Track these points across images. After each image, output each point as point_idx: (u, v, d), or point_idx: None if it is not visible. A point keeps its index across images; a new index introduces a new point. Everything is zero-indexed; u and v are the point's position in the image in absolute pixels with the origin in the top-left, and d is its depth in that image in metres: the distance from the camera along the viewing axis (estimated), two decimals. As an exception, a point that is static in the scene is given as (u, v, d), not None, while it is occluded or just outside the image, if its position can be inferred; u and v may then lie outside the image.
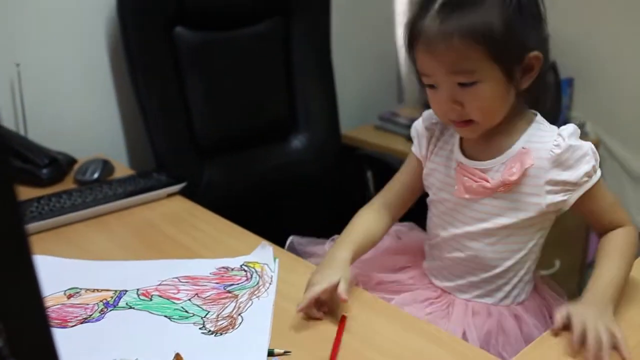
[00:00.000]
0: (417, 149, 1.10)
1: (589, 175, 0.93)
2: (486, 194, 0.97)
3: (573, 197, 0.94)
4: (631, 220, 0.98)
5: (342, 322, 0.90)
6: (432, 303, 1.06)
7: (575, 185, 0.93)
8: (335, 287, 0.91)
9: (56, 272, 1.10)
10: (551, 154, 0.93)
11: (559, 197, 0.94)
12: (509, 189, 0.95)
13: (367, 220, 1.10)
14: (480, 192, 0.97)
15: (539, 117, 0.99)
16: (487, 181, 0.96)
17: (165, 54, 1.67)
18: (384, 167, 1.94)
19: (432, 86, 0.93)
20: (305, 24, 1.86)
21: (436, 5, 0.88)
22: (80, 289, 1.05)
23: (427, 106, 1.03)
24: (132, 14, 1.60)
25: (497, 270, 1.02)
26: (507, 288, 1.04)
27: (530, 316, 1.04)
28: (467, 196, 0.98)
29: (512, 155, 0.95)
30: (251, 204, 1.82)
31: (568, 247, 2.12)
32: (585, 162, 0.92)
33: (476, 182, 0.97)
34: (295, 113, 1.91)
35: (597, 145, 2.15)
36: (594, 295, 0.87)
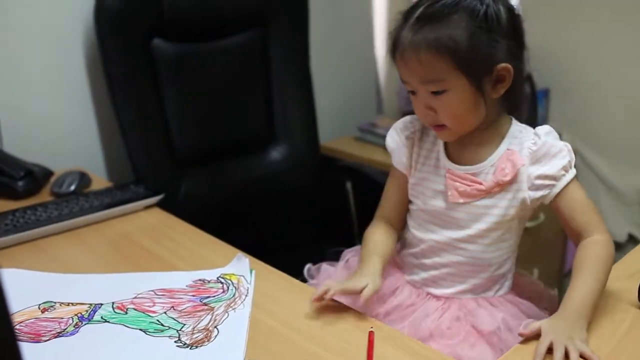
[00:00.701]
0: (400, 161, 1.10)
1: (565, 169, 0.97)
2: (481, 196, 1.01)
3: (553, 191, 0.97)
4: (607, 229, 0.99)
5: (370, 337, 0.90)
6: (442, 314, 1.06)
7: (554, 178, 0.97)
8: (358, 292, 0.96)
9: (30, 286, 1.09)
10: (529, 151, 0.98)
11: (540, 192, 0.98)
12: (502, 188, 1.00)
13: (381, 238, 1.12)
14: (475, 194, 1.01)
15: (515, 121, 1.04)
16: (481, 184, 1.00)
17: (143, 65, 1.66)
18: (364, 178, 1.95)
19: (412, 92, 0.98)
20: (283, 36, 1.87)
21: (413, 18, 0.93)
22: (55, 302, 1.04)
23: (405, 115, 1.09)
24: (109, 26, 1.59)
25: (495, 267, 1.06)
26: (503, 280, 1.09)
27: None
28: (461, 200, 1.02)
29: (499, 157, 1.00)
30: (230, 216, 1.82)
31: (546, 255, 2.14)
32: (562, 157, 0.97)
33: (469, 185, 1.00)
34: (274, 124, 1.91)
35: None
36: (569, 310, 0.88)
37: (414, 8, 0.95)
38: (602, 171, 2.16)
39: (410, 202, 1.12)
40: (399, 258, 1.16)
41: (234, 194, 1.85)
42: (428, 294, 1.10)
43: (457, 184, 1.01)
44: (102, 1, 1.58)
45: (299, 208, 1.98)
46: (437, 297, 1.08)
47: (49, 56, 1.65)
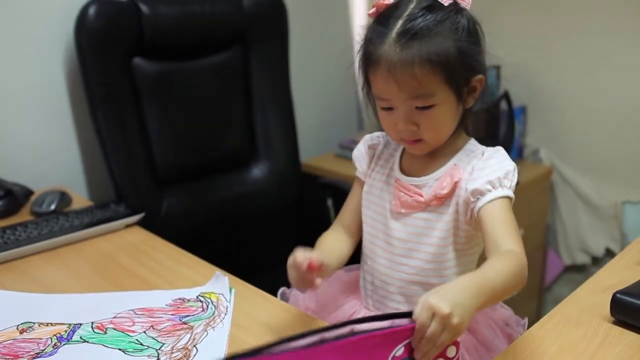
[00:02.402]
0: (360, 169, 1.13)
1: (493, 185, 0.93)
2: (420, 208, 1.01)
3: (477, 204, 0.93)
4: (524, 252, 0.89)
5: None
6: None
7: (480, 193, 0.93)
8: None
9: (9, 307, 1.08)
10: (471, 167, 0.98)
11: (469, 207, 0.95)
12: (442, 202, 1.00)
13: (331, 239, 1.12)
14: (415, 206, 1.01)
15: (473, 140, 1.04)
16: (421, 195, 1.00)
17: (124, 84, 1.67)
18: (345, 195, 1.95)
19: (388, 109, 0.97)
20: (263, 54, 1.89)
21: (393, 34, 0.91)
22: (34, 323, 1.03)
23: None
24: (90, 45, 1.60)
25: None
26: None
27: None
28: (402, 210, 1.02)
29: (445, 171, 1.00)
30: (211, 233, 1.82)
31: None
32: (492, 172, 0.94)
33: (411, 196, 1.01)
34: (255, 142, 1.92)
35: (551, 171, 2.21)
36: (454, 283, 0.77)
37: (386, 22, 0.93)
38: (579, 186, 2.19)
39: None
40: (361, 282, 1.14)
41: (216, 211, 1.85)
42: None
43: (401, 194, 1.02)
44: (82, 21, 1.59)
45: (281, 225, 1.99)
46: None
47: (30, 75, 1.66)
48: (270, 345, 0.63)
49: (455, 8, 0.94)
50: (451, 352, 0.75)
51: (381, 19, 0.95)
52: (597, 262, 2.21)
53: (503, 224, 0.91)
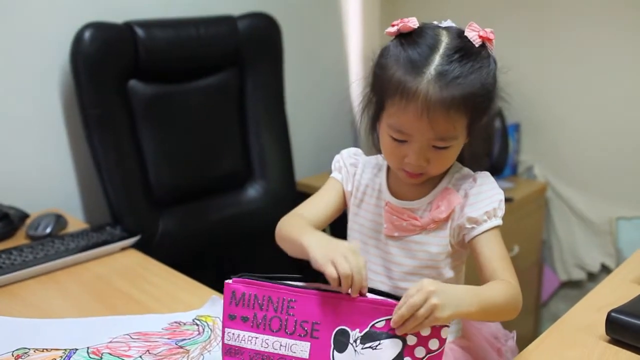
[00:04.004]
0: (344, 181, 1.10)
1: (488, 215, 0.96)
2: (415, 232, 1.01)
3: (472, 233, 0.96)
4: (517, 283, 0.94)
5: None
6: None
7: (476, 222, 0.96)
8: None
9: (4, 332, 1.08)
10: (464, 192, 0.99)
11: (462, 232, 0.98)
12: (437, 226, 1.00)
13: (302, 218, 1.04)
14: (410, 229, 1.01)
15: (457, 163, 1.04)
16: (417, 219, 1.00)
17: (119, 106, 1.68)
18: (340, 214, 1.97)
19: (401, 141, 0.93)
20: (258, 75, 1.90)
21: (432, 71, 0.88)
22: (29, 349, 1.03)
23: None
24: (85, 68, 1.61)
25: None
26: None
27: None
28: (396, 234, 1.02)
29: (437, 194, 1.01)
30: (207, 254, 1.82)
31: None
32: (489, 203, 0.96)
33: (406, 220, 1.01)
34: (251, 162, 1.93)
35: (545, 187, 2.22)
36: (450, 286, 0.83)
37: (420, 51, 0.90)
38: (573, 203, 2.20)
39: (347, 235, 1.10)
40: None
41: (212, 232, 1.86)
42: None
43: (394, 217, 1.02)
44: (78, 44, 1.60)
45: (276, 245, 1.98)
46: None
47: (25, 98, 1.66)
48: (272, 277, 0.85)
49: (487, 53, 0.92)
50: (444, 333, 0.79)
51: (410, 46, 0.91)
52: (593, 277, 2.22)
53: (499, 257, 0.95)
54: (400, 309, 0.77)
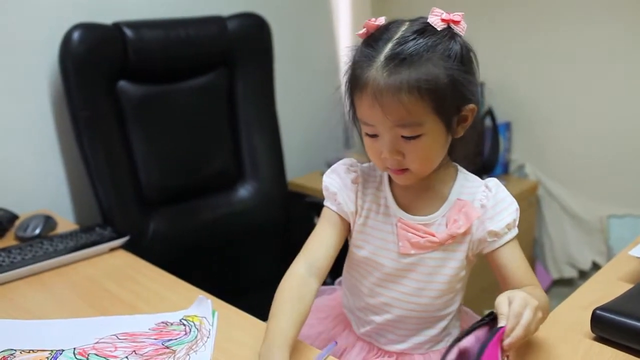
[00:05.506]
0: (344, 204, 1.03)
1: (509, 227, 0.97)
2: (433, 248, 0.99)
3: (493, 245, 0.97)
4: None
5: None
6: None
7: (496, 235, 0.96)
8: None
9: (-9, 334, 1.08)
10: (480, 203, 0.97)
11: (481, 246, 0.99)
12: (455, 240, 0.98)
13: (297, 294, 0.97)
14: (428, 246, 0.98)
15: (461, 168, 1.03)
16: (434, 235, 0.97)
17: (109, 107, 1.68)
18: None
19: (373, 135, 0.92)
20: (248, 75, 1.90)
21: (381, 57, 0.87)
22: (15, 350, 1.03)
23: None
24: (74, 69, 1.61)
25: (448, 316, 1.04)
26: (452, 330, 1.07)
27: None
28: (413, 251, 0.99)
29: (450, 207, 0.98)
30: (198, 254, 1.82)
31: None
32: (509, 214, 0.97)
33: (423, 237, 0.97)
34: (241, 162, 1.93)
35: (536, 186, 2.23)
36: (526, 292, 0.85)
37: (375, 45, 0.89)
38: (564, 201, 2.21)
39: (349, 248, 1.07)
40: (347, 313, 1.14)
41: (203, 232, 1.85)
42: (379, 349, 1.07)
43: (410, 234, 0.98)
44: (67, 46, 1.60)
45: (268, 244, 1.99)
46: (389, 354, 1.06)
47: (14, 100, 1.66)
48: None
49: (449, 33, 0.89)
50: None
51: (370, 41, 0.91)
52: (584, 275, 2.23)
53: (523, 266, 0.98)
54: (516, 331, 0.78)
